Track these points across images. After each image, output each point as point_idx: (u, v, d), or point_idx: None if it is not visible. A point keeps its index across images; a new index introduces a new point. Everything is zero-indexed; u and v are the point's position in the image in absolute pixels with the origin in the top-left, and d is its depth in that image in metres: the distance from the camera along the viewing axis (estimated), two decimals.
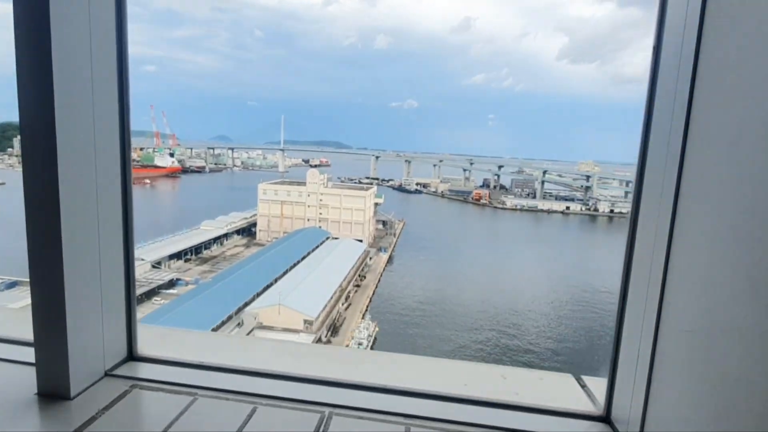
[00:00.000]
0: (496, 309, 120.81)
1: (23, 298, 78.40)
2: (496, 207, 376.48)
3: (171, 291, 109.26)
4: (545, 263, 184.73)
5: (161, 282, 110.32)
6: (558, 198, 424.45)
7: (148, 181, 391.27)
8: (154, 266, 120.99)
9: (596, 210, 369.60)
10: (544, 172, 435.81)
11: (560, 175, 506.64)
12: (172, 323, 76.97)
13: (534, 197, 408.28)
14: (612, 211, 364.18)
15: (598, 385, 4.07)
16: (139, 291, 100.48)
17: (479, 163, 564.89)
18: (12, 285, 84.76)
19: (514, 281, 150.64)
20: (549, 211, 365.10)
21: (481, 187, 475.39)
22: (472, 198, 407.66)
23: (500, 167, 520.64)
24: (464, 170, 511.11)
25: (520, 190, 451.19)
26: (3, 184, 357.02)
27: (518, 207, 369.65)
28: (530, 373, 4.79)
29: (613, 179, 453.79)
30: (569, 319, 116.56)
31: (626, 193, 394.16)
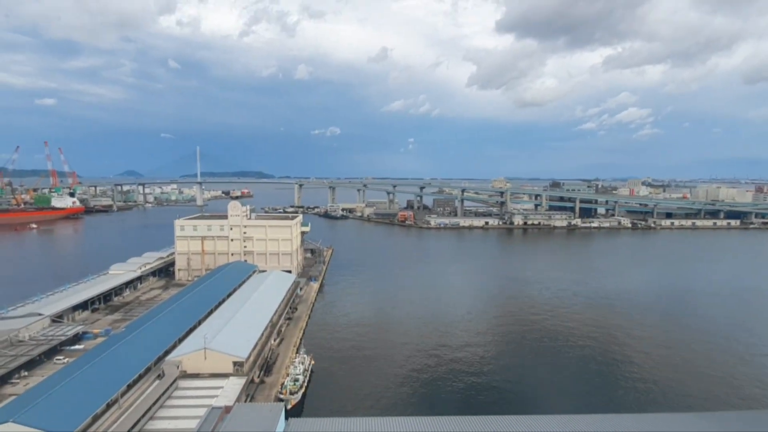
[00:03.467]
0: (432, 325, 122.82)
1: None
2: (421, 227, 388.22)
3: (77, 347, 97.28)
4: (473, 278, 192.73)
5: (64, 338, 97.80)
6: (477, 214, 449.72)
7: (34, 225, 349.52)
8: (54, 320, 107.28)
9: (512, 223, 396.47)
10: (463, 191, 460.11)
11: (477, 193, 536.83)
12: (79, 384, 68.35)
13: (455, 215, 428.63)
14: (526, 223, 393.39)
15: None
16: (37, 351, 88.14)
17: (402, 185, 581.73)
18: None
19: (444, 296, 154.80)
20: (470, 227, 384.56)
21: (405, 208, 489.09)
22: (398, 220, 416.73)
23: (422, 188, 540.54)
24: (388, 193, 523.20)
25: (441, 209, 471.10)
26: None
27: (442, 225, 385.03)
28: None
29: (523, 194, 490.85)
30: (501, 326, 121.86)
31: (536, 206, 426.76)
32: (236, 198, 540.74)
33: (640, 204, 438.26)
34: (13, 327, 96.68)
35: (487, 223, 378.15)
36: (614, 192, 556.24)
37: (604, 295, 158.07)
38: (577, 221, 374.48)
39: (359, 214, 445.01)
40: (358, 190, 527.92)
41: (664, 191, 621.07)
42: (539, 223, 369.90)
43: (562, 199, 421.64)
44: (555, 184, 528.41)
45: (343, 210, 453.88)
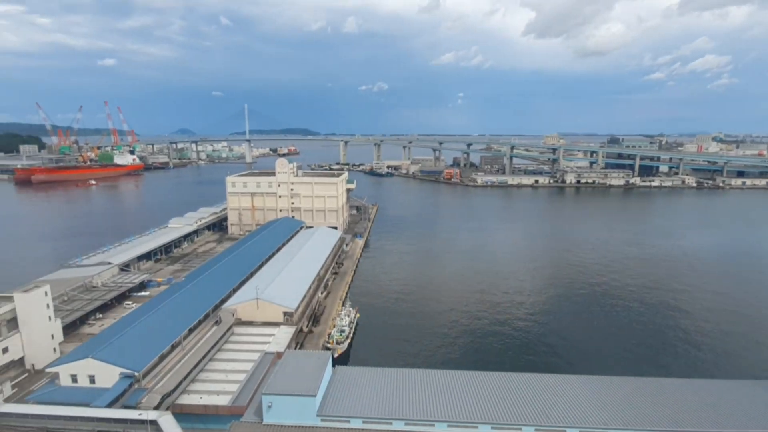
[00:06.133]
0: (477, 284, 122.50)
1: None
2: (467, 185, 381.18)
3: (143, 293, 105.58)
4: (522, 237, 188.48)
5: (131, 285, 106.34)
6: (527, 172, 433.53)
7: (93, 182, 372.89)
8: (122, 269, 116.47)
9: (564, 181, 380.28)
10: (512, 148, 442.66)
11: (527, 150, 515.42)
12: (146, 327, 74.36)
13: (503, 173, 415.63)
14: (579, 182, 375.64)
15: None
16: (108, 296, 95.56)
17: (449, 142, 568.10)
18: None
19: (489, 255, 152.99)
20: (519, 186, 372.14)
21: (451, 166, 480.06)
22: (444, 177, 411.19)
23: (469, 145, 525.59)
24: (434, 150, 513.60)
25: (489, 166, 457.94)
26: None
27: (488, 183, 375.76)
28: None
29: (578, 150, 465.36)
30: (550, 287, 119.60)
31: (591, 163, 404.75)
32: (283, 155, 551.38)
33: (708, 161, 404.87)
34: (87, 274, 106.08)
35: (537, 181, 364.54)
36: (680, 149, 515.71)
37: (663, 257, 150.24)
38: (636, 180, 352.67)
39: (405, 171, 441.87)
40: (404, 147, 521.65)
41: (737, 147, 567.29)
42: (594, 182, 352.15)
43: (620, 156, 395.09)
44: (613, 140, 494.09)
45: (388, 167, 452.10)
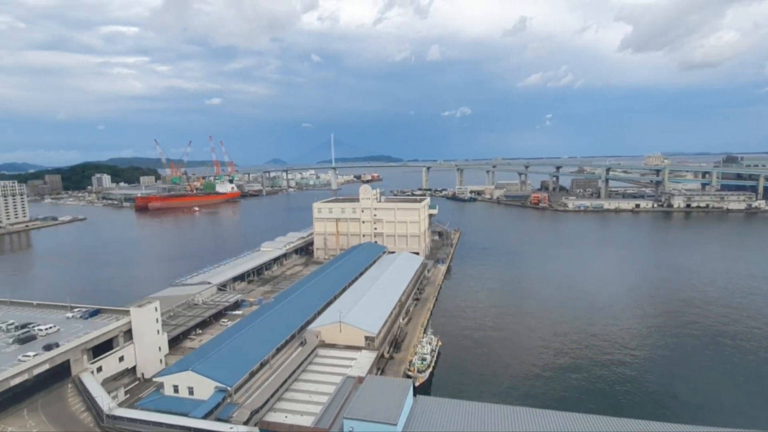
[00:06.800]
0: (569, 316, 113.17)
1: (107, 325, 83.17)
2: (556, 210, 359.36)
3: (236, 312, 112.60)
4: (622, 267, 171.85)
5: (227, 304, 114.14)
6: (625, 196, 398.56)
7: (197, 208, 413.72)
8: (220, 289, 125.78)
9: (670, 205, 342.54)
10: (608, 170, 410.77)
11: (626, 172, 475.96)
12: (239, 344, 78.56)
13: (598, 196, 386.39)
14: (689, 205, 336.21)
15: None
16: (207, 313, 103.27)
17: (535, 165, 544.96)
18: (95, 313, 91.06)
19: (583, 286, 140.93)
20: (617, 210, 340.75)
21: (538, 190, 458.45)
22: (531, 202, 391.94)
23: (558, 168, 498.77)
24: (519, 174, 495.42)
25: (581, 190, 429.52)
26: (84, 219, 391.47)
27: (581, 208, 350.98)
28: None
29: (687, 171, 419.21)
30: (653, 324, 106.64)
31: (703, 185, 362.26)
32: (367, 182, 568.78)
33: None
34: (190, 292, 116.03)
35: (638, 205, 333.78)
36: None
37: None
38: (760, 203, 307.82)
39: (488, 196, 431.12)
40: (487, 172, 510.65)
41: None
42: (707, 206, 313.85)
43: (740, 176, 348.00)
44: (730, 159, 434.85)
45: (471, 192, 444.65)
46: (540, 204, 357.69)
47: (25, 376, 67.21)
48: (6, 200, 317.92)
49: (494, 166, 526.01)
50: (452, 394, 70.82)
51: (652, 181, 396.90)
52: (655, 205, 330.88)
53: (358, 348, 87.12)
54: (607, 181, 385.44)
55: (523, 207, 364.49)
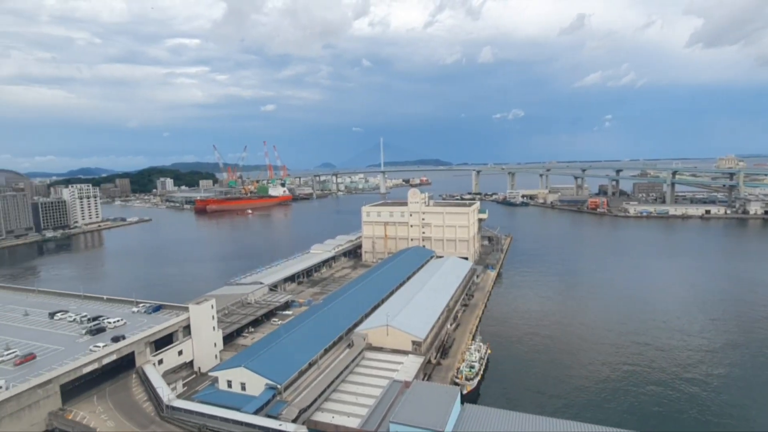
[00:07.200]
0: (627, 329, 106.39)
1: (168, 320, 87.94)
2: (616, 215, 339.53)
3: (287, 312, 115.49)
4: (691, 279, 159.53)
5: (278, 304, 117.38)
6: (693, 201, 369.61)
7: (250, 211, 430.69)
8: (271, 289, 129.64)
9: (745, 212, 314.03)
10: (674, 173, 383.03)
11: (694, 175, 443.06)
12: (289, 344, 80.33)
13: (663, 202, 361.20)
14: (767, 212, 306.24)
15: None
16: (259, 312, 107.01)
17: (593, 168, 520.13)
18: (157, 308, 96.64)
19: (644, 297, 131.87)
20: (684, 217, 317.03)
21: (596, 194, 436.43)
22: (588, 207, 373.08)
23: (619, 171, 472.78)
24: (575, 178, 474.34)
25: (644, 194, 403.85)
26: (149, 220, 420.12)
27: (644, 214, 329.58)
28: None
29: (765, 175, 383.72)
30: (722, 340, 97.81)
31: None
32: (415, 186, 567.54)
33: None
34: (243, 291, 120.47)
35: (708, 211, 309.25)
36: None
37: None
38: None
39: (541, 200, 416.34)
40: (541, 176, 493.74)
41: None
42: None
43: None
44: None
45: (523, 196, 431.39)
46: (598, 209, 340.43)
47: (95, 365, 72.53)
48: (82, 202, 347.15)
49: (548, 170, 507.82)
50: (501, 404, 68.41)
51: (724, 186, 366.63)
52: (728, 212, 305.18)
53: (404, 352, 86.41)
54: (673, 185, 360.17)
55: (579, 212, 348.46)
